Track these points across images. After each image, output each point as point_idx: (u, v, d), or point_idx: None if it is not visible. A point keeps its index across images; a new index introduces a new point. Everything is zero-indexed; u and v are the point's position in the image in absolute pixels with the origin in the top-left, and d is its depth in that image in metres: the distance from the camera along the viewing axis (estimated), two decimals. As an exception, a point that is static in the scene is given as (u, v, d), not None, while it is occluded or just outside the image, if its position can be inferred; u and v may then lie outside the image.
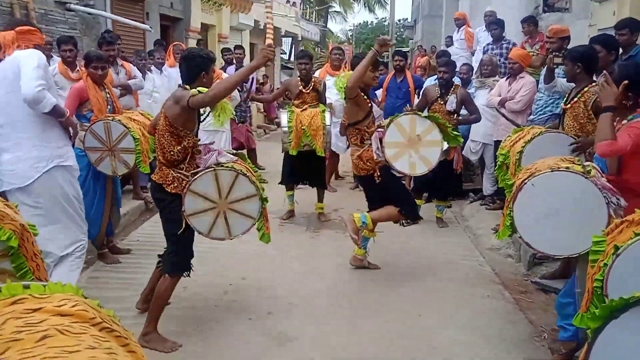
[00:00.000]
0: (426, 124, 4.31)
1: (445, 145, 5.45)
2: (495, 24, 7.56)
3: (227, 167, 3.17)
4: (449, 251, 5.19)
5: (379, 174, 4.25)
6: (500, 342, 3.43)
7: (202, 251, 4.82)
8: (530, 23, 6.88)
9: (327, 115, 5.70)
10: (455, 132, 4.62)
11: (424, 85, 7.26)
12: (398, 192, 4.41)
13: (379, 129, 4.25)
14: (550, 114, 5.35)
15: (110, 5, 9.76)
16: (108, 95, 4.55)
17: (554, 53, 4.97)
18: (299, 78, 5.93)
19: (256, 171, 3.53)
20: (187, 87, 3.08)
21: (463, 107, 5.76)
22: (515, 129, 4.54)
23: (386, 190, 4.34)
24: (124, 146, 4.25)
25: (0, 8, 7.33)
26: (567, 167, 2.88)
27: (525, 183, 2.95)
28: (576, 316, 2.41)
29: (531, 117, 5.66)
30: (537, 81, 5.78)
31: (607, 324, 1.76)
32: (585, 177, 2.76)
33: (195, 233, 3.23)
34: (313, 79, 5.92)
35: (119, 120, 4.24)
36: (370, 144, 4.22)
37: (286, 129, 5.66)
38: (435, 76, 7.13)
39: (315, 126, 5.59)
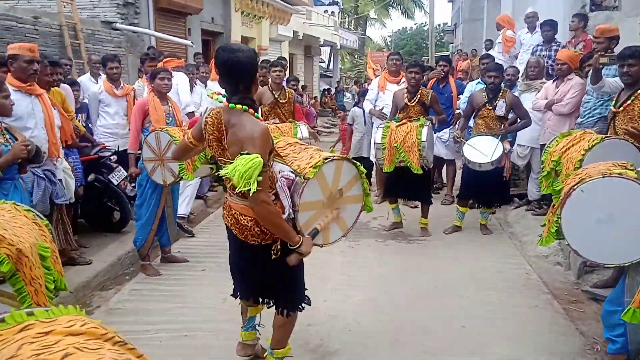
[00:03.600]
0: (352, 173, 2.89)
1: (500, 152, 5.27)
2: (548, 25, 7.33)
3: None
4: (493, 259, 5.02)
5: (279, 247, 2.65)
6: (550, 355, 3.28)
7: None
8: (580, 20, 6.63)
9: (424, 130, 5.24)
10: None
11: (466, 90, 7.11)
12: (296, 280, 2.89)
13: (285, 174, 2.72)
14: (599, 116, 5.12)
15: (154, 23, 10.08)
16: (170, 109, 4.69)
17: (599, 52, 4.76)
18: (405, 90, 5.67)
19: None
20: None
21: (511, 111, 5.57)
22: (563, 133, 4.36)
23: (279, 274, 2.76)
24: (170, 155, 4.34)
25: (51, 30, 7.66)
26: (620, 173, 2.74)
27: (574, 189, 2.83)
28: (627, 310, 2.31)
29: (579, 120, 5.44)
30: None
31: None
32: (638, 183, 2.63)
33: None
34: (420, 90, 5.62)
35: (167, 130, 4.34)
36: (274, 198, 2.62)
37: (379, 145, 5.39)
38: (477, 80, 6.98)
39: (410, 142, 5.19)
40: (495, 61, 7.23)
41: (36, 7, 8.76)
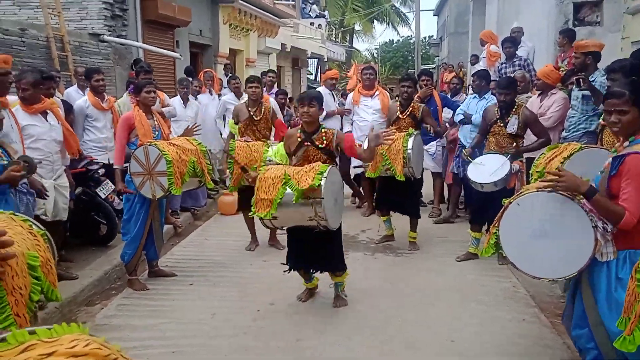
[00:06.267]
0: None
1: (505, 172, 4.80)
2: (509, 42, 7.51)
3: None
4: (480, 272, 5.05)
5: None
6: (538, 370, 3.31)
7: (229, 277, 4.86)
8: (565, 36, 6.73)
9: (411, 139, 5.22)
10: None
11: (463, 104, 6.91)
12: None
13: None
14: (584, 130, 5.22)
15: (142, 35, 10.04)
16: (156, 123, 4.66)
17: (567, 82, 4.86)
18: (398, 103, 5.70)
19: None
20: None
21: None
22: (550, 146, 4.42)
23: None
24: (160, 169, 4.33)
25: (38, 42, 7.60)
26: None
27: (511, 202, 2.89)
28: (618, 339, 2.33)
29: (564, 134, 5.51)
30: (569, 97, 5.65)
31: None
32: (571, 199, 2.65)
33: None
34: (412, 104, 5.62)
35: (155, 145, 4.35)
36: None
37: None
38: (473, 95, 6.83)
39: (396, 150, 5.21)
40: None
41: (22, 19, 8.71)
